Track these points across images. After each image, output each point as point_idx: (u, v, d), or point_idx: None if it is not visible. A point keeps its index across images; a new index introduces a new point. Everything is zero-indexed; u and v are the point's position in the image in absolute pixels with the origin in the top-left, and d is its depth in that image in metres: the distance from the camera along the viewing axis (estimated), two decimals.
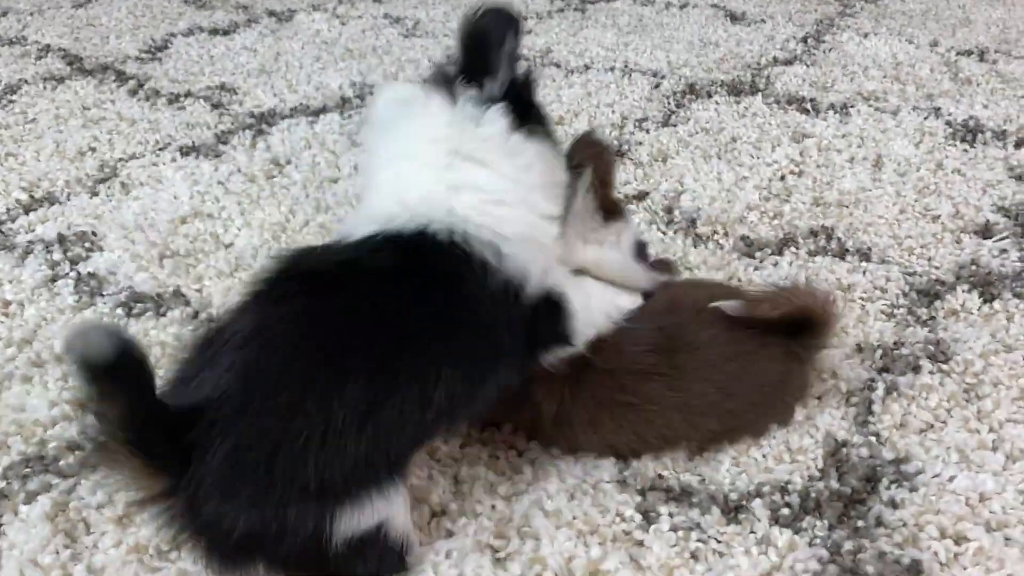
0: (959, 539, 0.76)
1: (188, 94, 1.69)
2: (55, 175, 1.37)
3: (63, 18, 2.13)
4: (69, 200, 1.30)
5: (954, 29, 2.11)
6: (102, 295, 1.07)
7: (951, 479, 0.82)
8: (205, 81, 1.75)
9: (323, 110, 1.62)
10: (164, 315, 1.03)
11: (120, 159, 1.42)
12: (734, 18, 2.20)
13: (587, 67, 1.85)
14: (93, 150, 1.45)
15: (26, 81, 1.73)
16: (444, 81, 0.76)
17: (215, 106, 1.64)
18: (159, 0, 2.29)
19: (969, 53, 1.94)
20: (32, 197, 1.31)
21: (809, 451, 0.85)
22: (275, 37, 2.02)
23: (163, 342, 0.98)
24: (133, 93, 1.69)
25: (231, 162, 1.41)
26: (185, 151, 1.44)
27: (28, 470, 0.81)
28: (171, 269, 1.13)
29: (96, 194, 1.31)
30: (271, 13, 2.19)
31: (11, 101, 1.64)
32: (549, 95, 1.69)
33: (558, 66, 1.86)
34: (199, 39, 2.01)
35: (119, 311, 1.04)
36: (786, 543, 0.75)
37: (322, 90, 1.71)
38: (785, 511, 0.78)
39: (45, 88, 1.70)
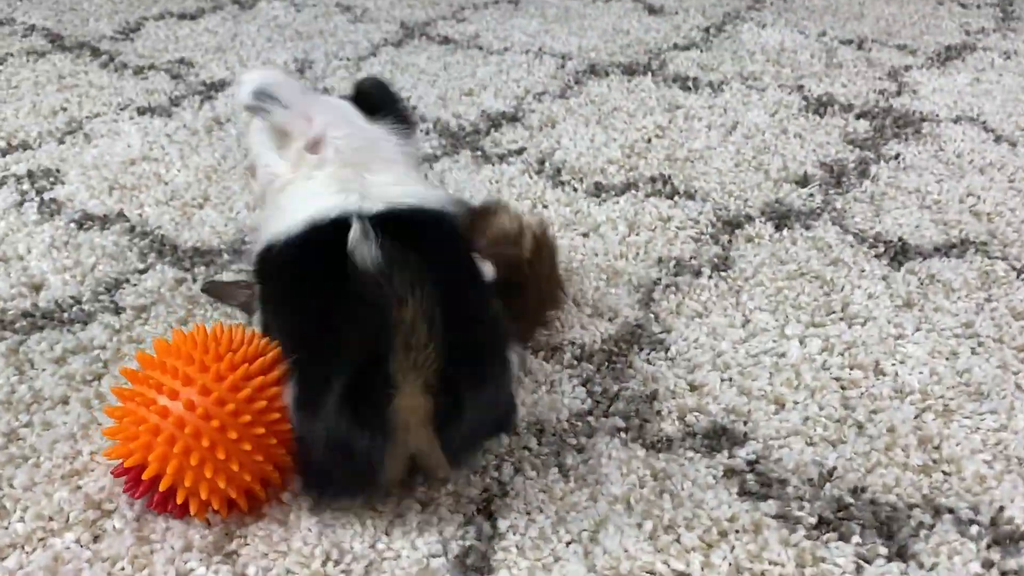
0: (692, 383, 1.01)
1: (152, 67, 1.94)
2: (30, 128, 1.63)
3: (49, 2, 2.39)
4: (40, 147, 1.55)
5: (845, 22, 2.36)
6: (60, 215, 1.33)
7: (695, 340, 1.07)
8: (168, 56, 2.01)
9: None
10: (107, 229, 1.29)
11: (86, 116, 1.68)
12: (652, 11, 2.45)
13: (506, 50, 2.10)
14: (64, 110, 1.71)
15: (11, 55, 1.99)
16: None
17: (174, 76, 1.89)
18: None
19: (850, 42, 2.19)
20: (9, 144, 1.56)
21: (599, 325, 1.11)
22: (235, 21, 2.28)
23: (103, 246, 1.24)
24: (104, 66, 1.95)
25: (179, 119, 1.66)
26: (142, 111, 1.70)
27: None
28: (117, 198, 1.38)
29: (63, 143, 1.57)
30: (235, 1, 2.45)
31: None
32: (465, 71, 1.95)
33: (480, 48, 2.11)
34: (168, 23, 2.26)
35: (72, 226, 1.30)
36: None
37: (268, 64, 1.97)
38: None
39: (27, 61, 1.96)
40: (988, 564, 0.78)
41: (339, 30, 2.23)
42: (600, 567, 0.77)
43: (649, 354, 1.06)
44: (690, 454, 0.90)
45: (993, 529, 0.82)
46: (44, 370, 1.00)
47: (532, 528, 0.81)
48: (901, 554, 0.80)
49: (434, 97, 1.81)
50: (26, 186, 1.41)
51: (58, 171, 1.46)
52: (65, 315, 1.10)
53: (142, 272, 1.19)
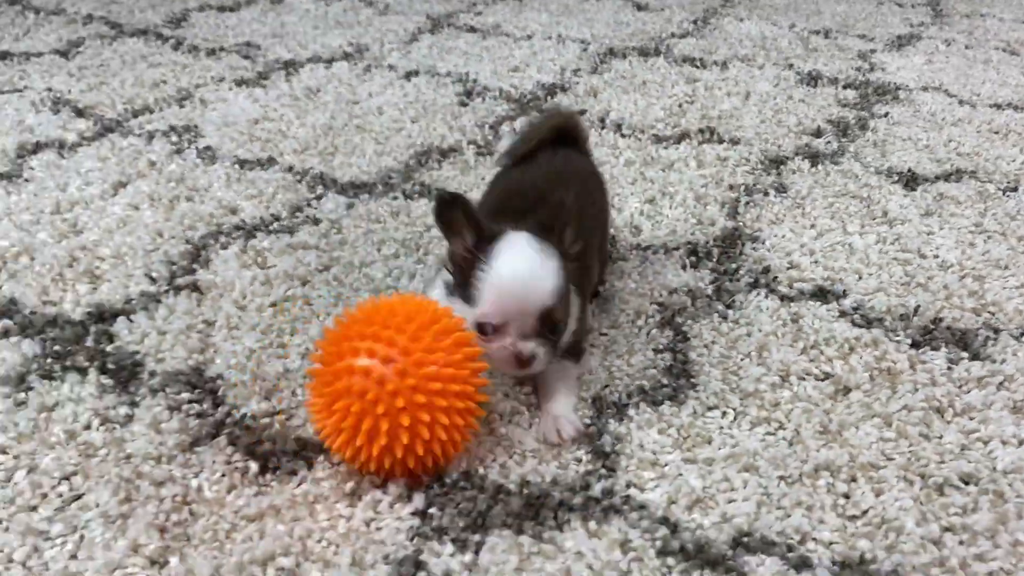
0: (790, 263, 1.31)
1: (221, 48, 2.14)
2: (145, 95, 1.82)
3: None
4: (163, 111, 1.75)
5: (808, 17, 2.73)
6: (217, 160, 1.54)
7: (782, 236, 1.37)
8: (231, 40, 2.21)
9: (332, 60, 2.10)
10: (266, 170, 1.51)
11: (193, 86, 1.88)
12: (640, 7, 2.77)
13: (529, 37, 2.38)
14: (165, 82, 1.90)
15: (84, 39, 2.16)
16: None
17: (246, 57, 2.10)
18: None
19: (817, 32, 2.55)
20: (133, 107, 1.75)
21: (707, 226, 1.39)
22: (275, 13, 2.49)
23: (272, 180, 1.46)
24: (175, 48, 2.14)
25: (276, 89, 1.88)
26: (239, 82, 1.91)
27: None
28: (259, 148, 1.60)
29: (183, 107, 1.77)
30: None
31: (78, 52, 2.07)
32: (504, 53, 2.22)
33: (507, 36, 2.39)
34: (210, 14, 2.46)
35: (236, 167, 1.51)
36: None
37: (327, 47, 2.19)
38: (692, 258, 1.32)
39: (103, 44, 2.13)
40: None
41: (373, 21, 2.47)
42: (774, 368, 1.05)
43: (752, 245, 1.35)
44: (810, 303, 1.19)
45: None
46: (277, 263, 1.23)
47: (714, 348, 1.09)
48: (977, 356, 1.10)
49: (488, 72, 2.07)
50: (175, 138, 1.61)
51: (196, 127, 1.66)
52: (273, 226, 1.33)
53: (318, 199, 1.42)
